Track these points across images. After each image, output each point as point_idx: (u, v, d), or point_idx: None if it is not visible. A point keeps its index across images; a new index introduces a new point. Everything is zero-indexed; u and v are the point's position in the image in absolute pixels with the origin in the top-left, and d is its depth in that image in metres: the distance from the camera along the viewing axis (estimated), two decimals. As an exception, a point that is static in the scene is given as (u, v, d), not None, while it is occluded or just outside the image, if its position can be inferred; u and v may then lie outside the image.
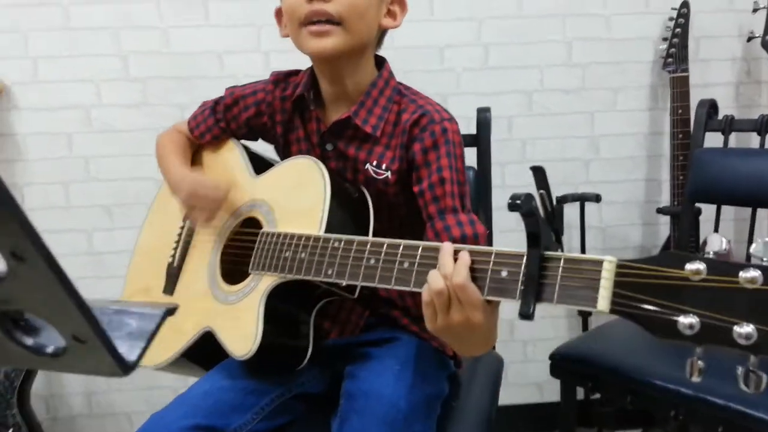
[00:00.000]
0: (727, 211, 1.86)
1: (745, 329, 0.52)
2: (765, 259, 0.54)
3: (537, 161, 2.03)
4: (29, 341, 0.35)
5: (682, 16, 1.96)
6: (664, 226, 2.08)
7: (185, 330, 1.03)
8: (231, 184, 1.09)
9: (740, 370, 0.54)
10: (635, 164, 2.08)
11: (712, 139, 1.82)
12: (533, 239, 0.65)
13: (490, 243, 1.55)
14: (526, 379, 2.11)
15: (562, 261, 0.65)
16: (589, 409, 2.00)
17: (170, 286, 1.12)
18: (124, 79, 1.89)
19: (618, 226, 2.11)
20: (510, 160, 2.03)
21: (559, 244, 0.62)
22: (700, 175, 1.63)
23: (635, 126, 2.06)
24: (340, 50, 0.96)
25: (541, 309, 2.08)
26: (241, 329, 0.93)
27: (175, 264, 1.12)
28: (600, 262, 0.62)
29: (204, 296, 1.04)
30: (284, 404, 1.01)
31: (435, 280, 0.72)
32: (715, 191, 1.62)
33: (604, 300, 0.61)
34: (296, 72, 1.10)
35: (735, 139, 1.94)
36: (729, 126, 1.69)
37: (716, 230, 1.73)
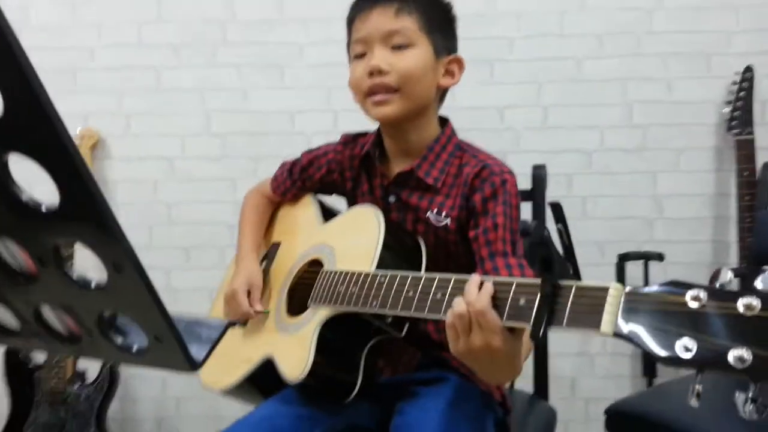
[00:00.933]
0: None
1: (739, 353, 0.53)
2: None
3: (597, 219, 2.05)
4: (119, 340, 0.43)
5: (747, 80, 1.97)
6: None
7: (250, 357, 1.12)
8: (296, 243, 1.21)
9: (740, 396, 0.54)
10: (701, 225, 2.06)
11: (779, 202, 1.80)
12: (546, 265, 0.69)
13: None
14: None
15: (573, 288, 0.68)
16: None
17: (245, 320, 1.21)
18: (206, 134, 2.07)
19: (683, 287, 2.06)
20: (570, 217, 2.04)
21: (576, 276, 0.65)
22: (766, 237, 1.61)
23: (700, 187, 2.05)
24: (401, 115, 1.06)
25: (604, 368, 2.04)
26: (296, 355, 1.01)
27: None
28: (606, 288, 0.65)
29: (270, 328, 1.13)
30: (336, 435, 1.06)
31: (458, 304, 0.79)
32: (781, 253, 1.59)
33: (607, 323, 0.63)
34: (364, 133, 1.20)
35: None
36: (795, 187, 1.67)
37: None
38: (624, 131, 2.05)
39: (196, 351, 0.42)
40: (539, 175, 1.57)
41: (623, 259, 1.92)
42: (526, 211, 1.49)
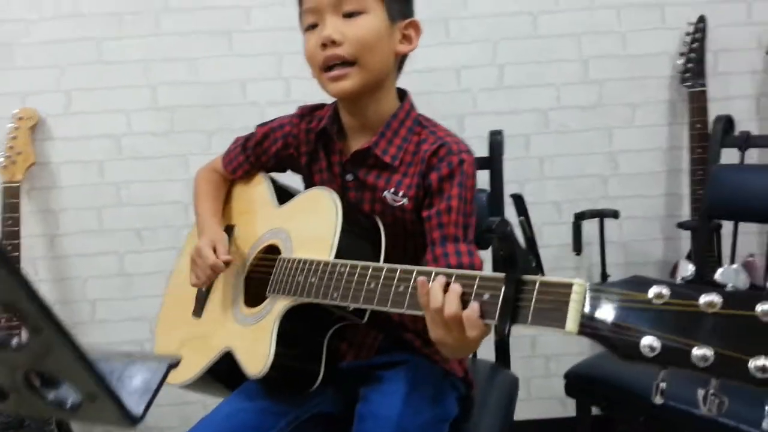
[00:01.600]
0: (751, 224, 1.85)
1: (702, 351, 0.54)
2: (731, 285, 0.56)
3: (555, 178, 2.06)
4: (51, 396, 0.40)
5: (699, 30, 1.97)
6: (685, 240, 2.08)
7: (209, 350, 1.10)
8: (251, 227, 1.17)
9: (700, 392, 0.55)
10: (655, 179, 2.08)
11: (731, 155, 1.82)
12: (510, 262, 0.68)
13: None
14: (549, 393, 2.12)
15: (537, 284, 0.68)
16: (608, 426, 2.00)
17: (199, 310, 1.19)
18: (153, 108, 1.98)
19: (638, 240, 2.11)
20: (528, 178, 2.06)
21: (539, 269, 0.65)
22: (716, 191, 1.64)
23: (654, 141, 2.07)
24: (359, 88, 1.02)
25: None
26: (256, 349, 0.99)
27: (204, 288, 1.19)
28: (570, 285, 0.65)
29: (227, 318, 1.11)
30: (302, 425, 1.06)
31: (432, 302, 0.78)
32: (731, 207, 1.62)
33: (572, 322, 0.64)
34: (321, 106, 1.16)
35: (757, 153, 1.94)
36: (746, 142, 1.69)
37: (734, 245, 1.72)
38: (580, 88, 2.03)
39: (135, 404, 0.40)
40: (496, 141, 1.56)
41: (579, 218, 1.94)
42: (484, 178, 1.49)
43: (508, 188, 1.59)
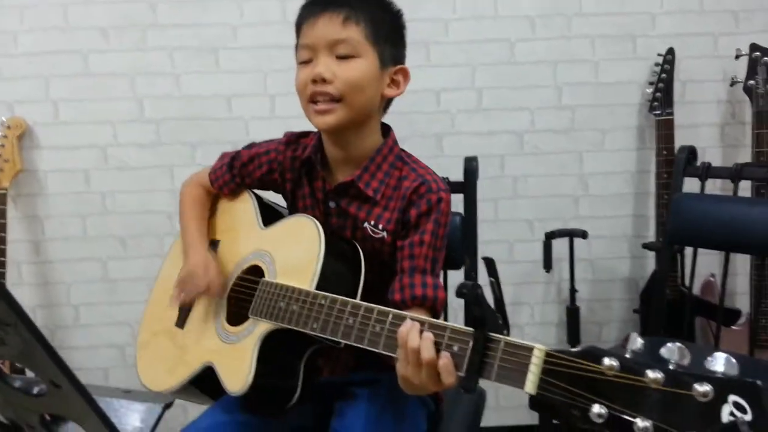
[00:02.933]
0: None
1: (644, 423, 0.60)
2: (672, 361, 0.62)
3: (528, 197, 2.15)
4: (61, 432, 0.47)
5: (668, 62, 2.06)
6: (651, 259, 2.18)
7: (191, 362, 1.15)
8: (236, 245, 1.22)
9: None
10: (623, 201, 2.18)
11: (694, 182, 1.91)
12: (479, 322, 0.75)
13: (475, 276, 1.66)
14: (516, 401, 2.18)
15: (502, 344, 0.75)
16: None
17: (181, 321, 1.24)
18: (139, 120, 2.03)
19: (606, 259, 2.20)
20: (502, 196, 2.14)
21: (505, 326, 0.71)
22: (677, 218, 1.71)
23: (623, 165, 2.16)
24: (342, 124, 1.08)
25: (532, 337, 2.16)
26: (237, 368, 1.05)
27: None
28: (531, 349, 0.72)
29: (210, 333, 1.16)
30: (279, 439, 1.12)
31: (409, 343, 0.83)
32: (691, 234, 1.70)
33: (531, 384, 0.71)
34: (307, 133, 1.22)
35: (720, 181, 2.04)
36: (706, 172, 1.78)
37: (693, 267, 1.81)
38: (553, 112, 2.12)
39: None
40: (471, 166, 1.64)
41: (549, 237, 2.02)
42: (458, 202, 1.56)
43: (482, 206, 1.67)
